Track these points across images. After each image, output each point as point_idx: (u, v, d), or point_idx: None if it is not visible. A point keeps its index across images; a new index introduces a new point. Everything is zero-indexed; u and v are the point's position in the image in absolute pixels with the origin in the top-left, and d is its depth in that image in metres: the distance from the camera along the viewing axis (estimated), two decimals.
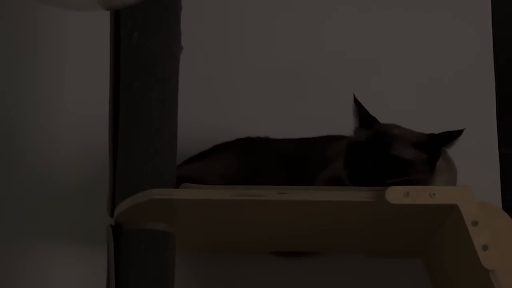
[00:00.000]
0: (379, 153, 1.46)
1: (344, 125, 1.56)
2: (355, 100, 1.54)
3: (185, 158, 1.70)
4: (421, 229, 1.55)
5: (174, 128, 1.53)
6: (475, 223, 1.38)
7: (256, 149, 1.70)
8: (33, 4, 1.86)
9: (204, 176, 1.59)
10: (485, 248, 1.37)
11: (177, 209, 1.46)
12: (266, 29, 1.93)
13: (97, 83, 1.68)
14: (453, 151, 1.51)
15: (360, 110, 1.53)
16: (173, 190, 1.45)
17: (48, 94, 1.88)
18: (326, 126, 1.74)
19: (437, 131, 1.49)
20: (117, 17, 1.54)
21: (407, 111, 1.81)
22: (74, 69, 1.89)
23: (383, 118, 1.56)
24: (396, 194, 1.39)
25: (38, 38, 1.92)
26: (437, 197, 1.40)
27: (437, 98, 1.88)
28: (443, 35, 1.93)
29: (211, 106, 1.87)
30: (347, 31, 1.93)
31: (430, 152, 1.47)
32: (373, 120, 1.54)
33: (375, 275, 1.75)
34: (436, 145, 1.47)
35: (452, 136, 1.46)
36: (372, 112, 1.54)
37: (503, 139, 1.86)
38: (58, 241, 1.78)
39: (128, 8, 1.49)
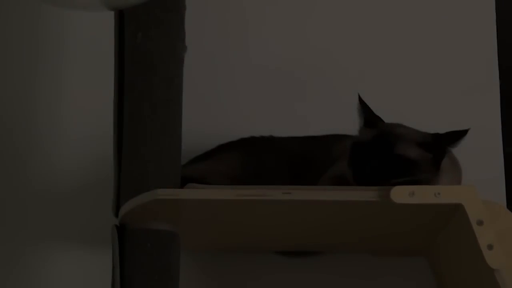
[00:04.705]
0: (384, 152, 1.46)
1: (348, 124, 1.56)
2: (360, 99, 1.54)
3: (190, 158, 1.70)
4: (426, 228, 1.55)
5: (179, 128, 1.53)
6: (480, 222, 1.38)
7: (260, 149, 1.70)
8: (37, 4, 1.86)
9: (209, 176, 1.59)
10: (490, 247, 1.37)
11: (182, 209, 1.46)
12: (269, 29, 1.93)
13: (102, 83, 1.68)
14: (458, 150, 1.51)
15: (364, 109, 1.53)
16: (178, 190, 1.45)
17: (52, 94, 1.89)
18: (330, 126, 1.74)
19: (441, 130, 1.49)
20: (121, 17, 1.54)
21: (411, 110, 1.81)
22: (79, 69, 1.89)
23: (387, 117, 1.55)
24: (401, 194, 1.39)
25: (42, 38, 1.92)
26: (442, 197, 1.40)
27: (441, 97, 1.88)
28: (447, 33, 1.93)
29: (215, 106, 1.87)
30: (350, 30, 1.93)
31: (435, 152, 1.47)
32: (378, 119, 1.54)
33: (380, 274, 1.75)
34: (441, 144, 1.48)
35: (457, 135, 1.46)
36: (376, 111, 1.54)
37: (507, 138, 1.86)
38: (62, 241, 1.78)
39: (132, 8, 1.50)
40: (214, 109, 1.87)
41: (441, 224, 1.51)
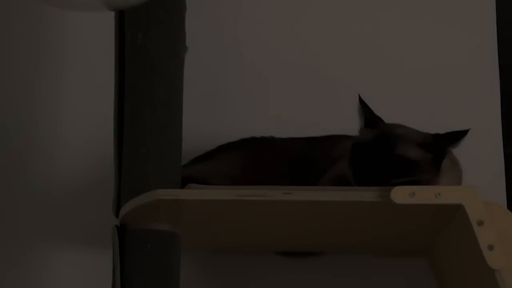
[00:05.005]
0: (384, 153, 1.46)
1: (349, 125, 1.56)
2: (360, 100, 1.54)
3: (190, 158, 1.70)
4: (426, 229, 1.55)
5: (179, 128, 1.53)
6: (480, 223, 1.38)
7: (260, 149, 1.70)
8: (37, 5, 1.86)
9: (209, 177, 1.59)
10: (490, 247, 1.37)
11: (183, 209, 1.46)
12: (270, 29, 1.93)
13: (102, 83, 1.68)
14: (458, 151, 1.51)
15: (365, 109, 1.53)
16: (179, 191, 1.45)
17: (52, 94, 1.89)
18: (330, 126, 1.74)
19: (442, 131, 1.49)
20: (121, 17, 1.54)
21: (411, 110, 1.81)
22: (79, 69, 1.89)
23: (387, 117, 1.55)
24: (402, 194, 1.39)
25: (42, 38, 1.92)
26: (443, 197, 1.40)
27: (442, 97, 1.88)
28: (447, 34, 1.93)
29: (215, 106, 1.87)
30: (351, 30, 1.93)
31: (435, 152, 1.47)
32: (378, 119, 1.54)
33: (380, 275, 1.75)
34: (441, 145, 1.48)
35: (457, 136, 1.46)
36: (377, 111, 1.54)
37: (507, 139, 1.86)
38: (63, 241, 1.78)
39: (132, 8, 1.50)
40: (214, 109, 1.86)
41: (441, 225, 1.51)
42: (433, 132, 1.50)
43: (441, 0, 1.95)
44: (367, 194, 1.41)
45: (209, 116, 1.85)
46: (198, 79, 1.82)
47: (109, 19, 1.56)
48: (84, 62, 1.89)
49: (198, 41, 1.64)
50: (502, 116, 1.87)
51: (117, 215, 1.49)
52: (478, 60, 1.91)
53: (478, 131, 1.51)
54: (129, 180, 1.48)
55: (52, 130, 1.86)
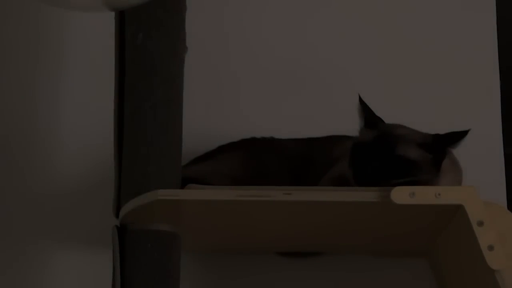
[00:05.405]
0: (385, 153, 1.46)
1: (349, 125, 1.56)
2: (360, 100, 1.54)
3: (190, 158, 1.70)
4: (427, 229, 1.55)
5: (179, 128, 1.53)
6: (480, 223, 1.38)
7: (261, 150, 1.70)
8: (37, 4, 1.86)
9: (209, 177, 1.59)
10: (490, 248, 1.37)
11: (183, 209, 1.46)
12: (270, 29, 1.93)
13: (102, 83, 1.68)
14: (458, 151, 1.51)
15: (365, 110, 1.54)
16: (179, 191, 1.45)
17: (53, 94, 1.89)
18: (330, 126, 1.74)
19: (442, 131, 1.49)
20: (122, 17, 1.54)
21: (411, 111, 1.81)
22: (79, 69, 1.89)
23: (388, 118, 1.55)
24: (402, 195, 1.39)
25: (42, 38, 1.92)
26: (443, 197, 1.39)
27: (442, 97, 1.88)
28: (447, 34, 1.94)
29: (216, 107, 1.87)
30: (351, 31, 1.93)
31: (435, 152, 1.48)
32: (378, 120, 1.54)
33: (380, 275, 1.75)
34: (441, 145, 1.48)
35: (457, 136, 1.46)
36: (377, 112, 1.54)
37: (508, 139, 1.86)
38: (63, 241, 1.78)
39: (133, 8, 1.50)
40: (214, 109, 1.87)
41: (441, 225, 1.51)
42: (433, 132, 1.50)
43: (441, 0, 1.95)
44: (367, 195, 1.41)
45: (209, 116, 1.85)
46: (198, 79, 1.82)
47: (109, 19, 1.56)
48: (84, 62, 1.89)
49: (198, 41, 1.64)
50: (502, 116, 1.87)
51: (117, 215, 1.49)
52: (478, 60, 1.91)
53: (478, 131, 1.52)
54: (129, 180, 1.48)
55: (52, 130, 1.86)
